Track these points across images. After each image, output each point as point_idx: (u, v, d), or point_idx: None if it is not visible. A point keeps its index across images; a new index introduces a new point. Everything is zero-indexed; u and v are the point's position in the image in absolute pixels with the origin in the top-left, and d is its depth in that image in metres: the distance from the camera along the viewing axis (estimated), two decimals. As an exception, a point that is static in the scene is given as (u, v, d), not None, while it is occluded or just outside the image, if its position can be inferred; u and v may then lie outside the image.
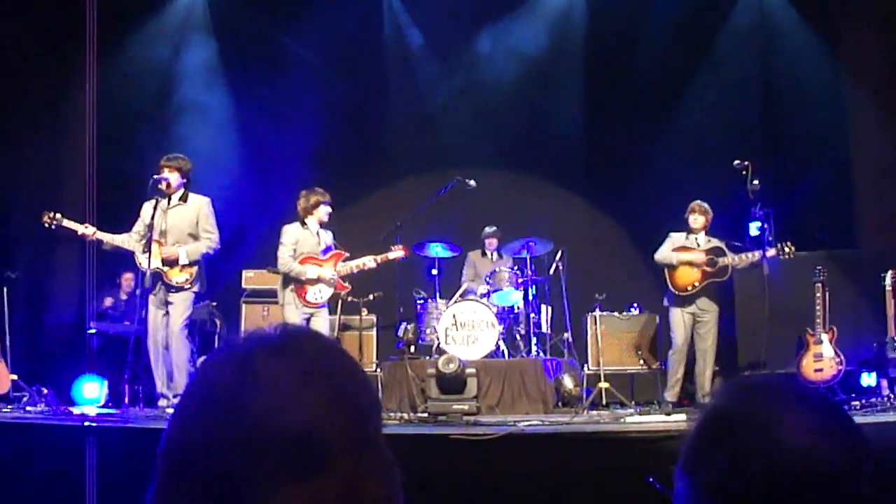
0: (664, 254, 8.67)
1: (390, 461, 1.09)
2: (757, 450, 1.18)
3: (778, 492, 1.15)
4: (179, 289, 7.84)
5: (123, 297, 10.47)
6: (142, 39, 11.45)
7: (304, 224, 8.60)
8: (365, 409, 1.08)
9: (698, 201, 8.77)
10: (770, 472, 1.16)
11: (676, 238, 8.75)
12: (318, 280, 8.42)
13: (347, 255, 8.66)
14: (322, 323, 8.46)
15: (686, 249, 8.63)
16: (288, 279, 8.49)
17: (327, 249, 8.60)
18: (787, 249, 8.16)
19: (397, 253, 8.88)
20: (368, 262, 8.62)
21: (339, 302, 8.98)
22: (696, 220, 8.69)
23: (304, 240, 8.55)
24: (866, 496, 1.18)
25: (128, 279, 10.34)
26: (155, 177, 7.78)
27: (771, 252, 8.18)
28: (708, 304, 8.53)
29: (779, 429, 1.19)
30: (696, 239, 8.69)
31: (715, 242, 8.64)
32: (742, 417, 1.23)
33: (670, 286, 8.60)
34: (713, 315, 8.54)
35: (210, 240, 8.00)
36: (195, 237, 7.96)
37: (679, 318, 8.55)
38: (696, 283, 8.47)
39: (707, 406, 1.31)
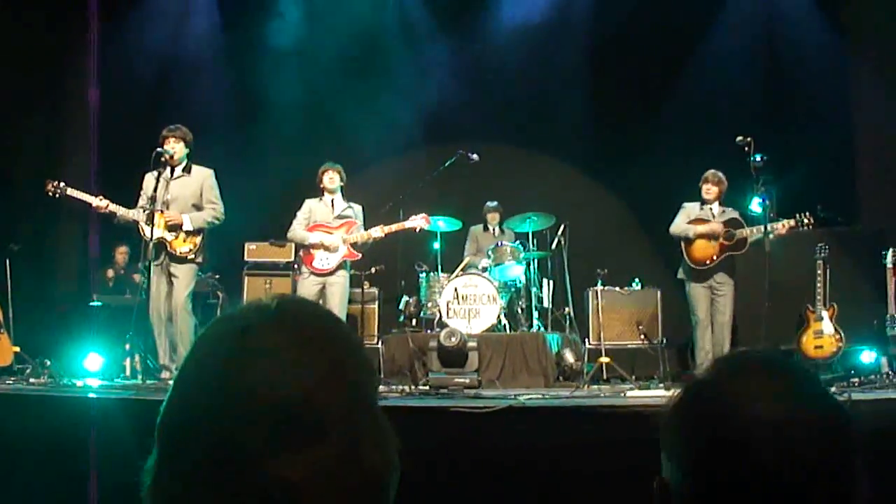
0: (680, 226, 8.61)
1: (387, 428, 1.11)
2: (718, 418, 1.20)
3: (739, 460, 1.17)
4: (183, 260, 7.88)
5: (120, 270, 10.51)
6: (145, 10, 11.44)
7: (321, 197, 8.77)
8: (361, 377, 1.10)
9: (712, 171, 8.67)
10: (732, 440, 1.17)
11: (690, 209, 8.69)
12: (320, 245, 8.49)
13: (358, 223, 8.70)
14: (337, 292, 8.52)
15: (701, 221, 8.58)
16: (298, 248, 8.83)
17: (341, 218, 8.67)
18: (806, 220, 8.13)
19: (417, 221, 8.88)
20: (375, 232, 8.65)
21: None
22: (710, 190, 8.61)
23: (318, 210, 8.77)
24: (847, 476, 1.19)
25: (122, 252, 10.38)
26: (158, 150, 7.78)
27: (790, 223, 8.15)
28: (724, 277, 8.49)
29: (746, 400, 1.20)
30: (711, 209, 8.62)
31: (730, 213, 8.59)
32: (712, 388, 1.25)
33: (687, 260, 8.55)
34: (730, 288, 8.50)
35: (215, 209, 8.05)
36: (199, 208, 8.00)
37: (698, 293, 8.54)
38: (715, 257, 8.42)
39: (690, 379, 1.33)
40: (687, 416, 1.25)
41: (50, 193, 7.97)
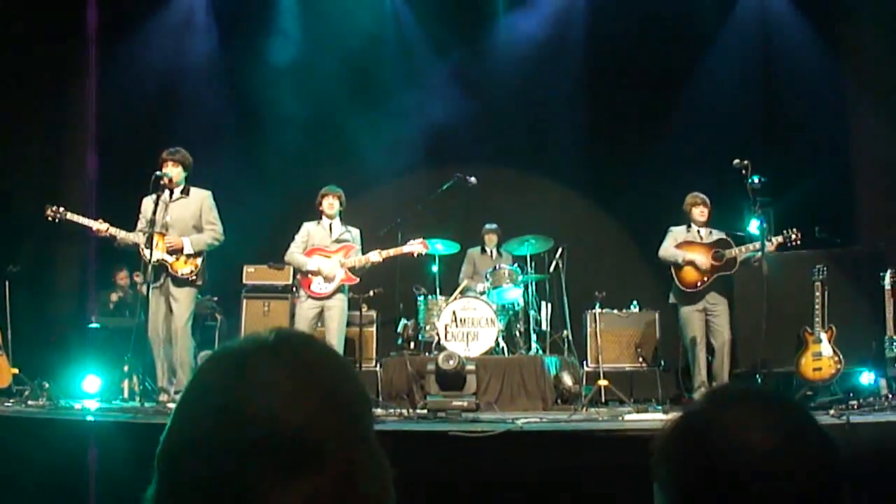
0: (669, 251, 8.64)
1: (383, 459, 1.12)
2: (710, 450, 1.21)
3: (730, 492, 1.18)
4: (185, 282, 7.86)
5: (120, 293, 10.51)
6: (144, 35, 11.50)
7: (319, 220, 8.75)
8: (357, 408, 1.12)
9: (698, 193, 8.74)
10: (723, 472, 1.19)
11: (678, 232, 8.72)
12: (318, 272, 8.48)
13: (356, 248, 8.69)
14: (335, 315, 8.48)
15: (690, 244, 8.61)
16: (296, 271, 8.85)
17: (339, 242, 8.66)
18: (793, 236, 8.18)
19: (415, 246, 8.88)
20: (373, 256, 8.63)
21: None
22: (703, 212, 8.65)
23: (316, 234, 8.73)
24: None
25: (122, 277, 10.36)
26: (157, 173, 7.79)
27: (778, 240, 8.20)
28: (717, 297, 8.51)
29: (737, 432, 1.22)
30: (699, 232, 8.67)
31: (717, 234, 8.64)
32: (703, 420, 1.26)
33: (678, 283, 8.58)
34: (725, 308, 8.52)
35: (215, 230, 8.04)
36: (199, 230, 8.00)
37: (690, 316, 8.55)
38: (706, 279, 8.46)
39: (689, 403, 1.35)
40: (678, 448, 1.26)
41: (50, 218, 7.96)
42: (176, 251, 7.85)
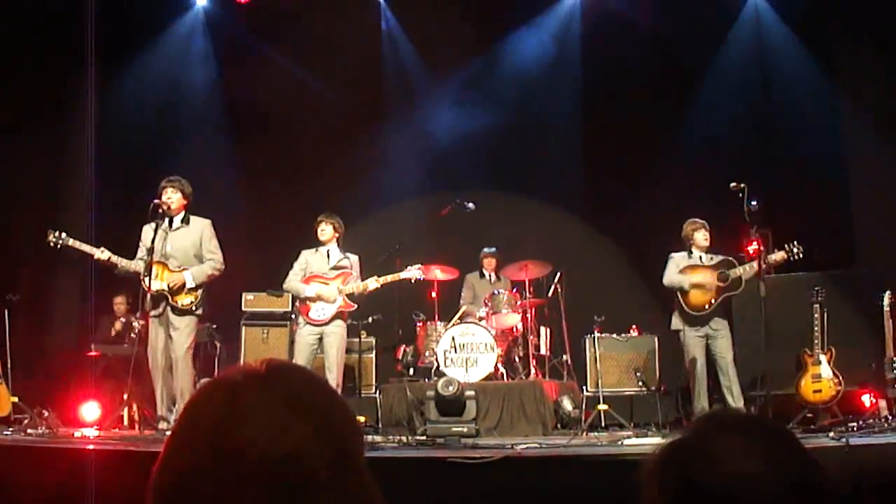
0: (674, 277, 8.57)
1: (373, 489, 1.13)
2: (699, 476, 1.22)
3: None
4: (185, 312, 7.84)
5: (122, 319, 10.47)
6: (144, 62, 11.55)
7: (317, 247, 8.74)
8: (347, 438, 1.13)
9: (697, 219, 8.71)
10: (712, 498, 1.20)
11: (679, 259, 8.66)
12: (317, 298, 8.47)
13: (354, 274, 8.68)
14: (334, 342, 8.44)
15: (694, 269, 8.55)
16: (295, 299, 8.81)
17: (337, 269, 8.65)
18: (796, 249, 8.16)
19: (413, 272, 8.86)
20: (371, 283, 8.61)
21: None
22: (706, 237, 8.59)
23: (314, 261, 8.69)
24: None
25: (119, 303, 10.33)
26: (156, 201, 7.78)
27: (781, 254, 8.18)
28: (720, 322, 8.46)
29: (726, 458, 1.23)
30: (700, 257, 8.63)
31: (717, 257, 8.61)
32: (693, 447, 1.27)
33: (685, 307, 8.50)
34: (727, 331, 8.46)
35: (215, 260, 8.02)
36: (199, 259, 7.98)
37: (693, 341, 8.50)
38: (713, 301, 8.41)
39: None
40: (668, 474, 1.26)
41: (52, 243, 7.95)
42: (178, 289, 7.82)
